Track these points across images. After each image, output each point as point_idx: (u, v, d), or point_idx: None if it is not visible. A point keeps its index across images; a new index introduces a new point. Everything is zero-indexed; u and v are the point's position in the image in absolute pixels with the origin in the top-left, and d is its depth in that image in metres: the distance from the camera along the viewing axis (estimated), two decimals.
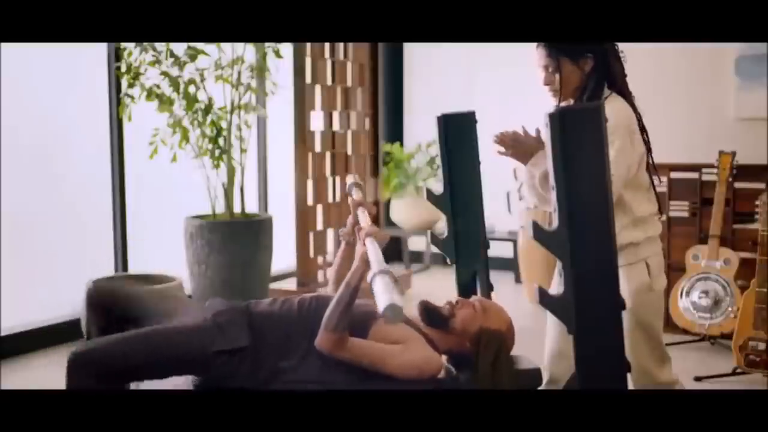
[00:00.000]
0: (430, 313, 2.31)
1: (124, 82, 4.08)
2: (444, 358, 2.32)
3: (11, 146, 3.99)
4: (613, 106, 2.36)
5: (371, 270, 1.88)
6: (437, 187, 2.75)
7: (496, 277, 2.81)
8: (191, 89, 4.10)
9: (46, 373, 3.60)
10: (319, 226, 5.13)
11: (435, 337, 2.29)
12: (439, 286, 5.66)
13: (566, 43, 2.36)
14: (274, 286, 4.84)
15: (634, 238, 2.40)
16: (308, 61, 4.95)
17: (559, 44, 2.37)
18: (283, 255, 5.05)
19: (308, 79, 4.95)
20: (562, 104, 2.45)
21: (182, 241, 4.24)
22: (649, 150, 2.44)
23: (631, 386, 2.43)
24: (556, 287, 2.56)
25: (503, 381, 2.22)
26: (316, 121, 5.09)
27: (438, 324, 2.30)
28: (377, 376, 2.17)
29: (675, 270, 4.36)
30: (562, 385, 2.48)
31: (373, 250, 2.05)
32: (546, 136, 1.81)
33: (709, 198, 4.26)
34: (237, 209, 4.38)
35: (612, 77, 2.42)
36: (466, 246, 2.70)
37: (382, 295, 1.72)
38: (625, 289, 2.36)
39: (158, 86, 4.06)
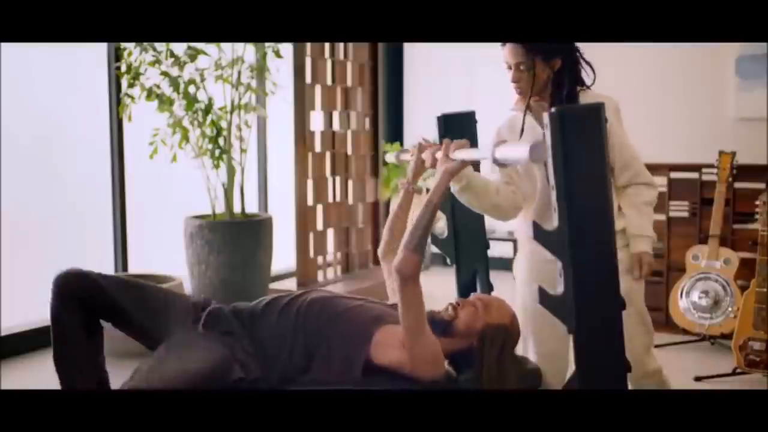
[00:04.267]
0: (431, 322, 2.28)
1: (124, 82, 4.08)
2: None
3: (11, 146, 3.99)
4: (600, 98, 2.40)
5: (486, 150, 1.81)
6: None
7: (496, 277, 2.81)
8: (191, 89, 4.10)
9: (46, 373, 3.59)
10: (319, 226, 5.13)
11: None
12: (439, 286, 5.65)
13: (540, 43, 2.38)
14: (274, 286, 4.84)
15: (620, 225, 2.48)
16: (308, 61, 4.95)
17: (533, 43, 2.39)
18: (283, 255, 5.05)
19: (308, 79, 4.95)
20: (518, 105, 2.51)
21: (182, 241, 4.24)
22: None
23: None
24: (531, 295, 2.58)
25: (509, 375, 2.20)
26: (316, 121, 5.09)
27: (439, 330, 2.26)
28: (380, 372, 2.17)
29: (675, 270, 4.36)
30: (552, 388, 2.49)
31: (469, 152, 2.13)
32: (546, 135, 1.81)
33: (709, 198, 4.25)
34: (237, 209, 4.38)
35: (580, 77, 2.46)
36: (466, 246, 2.70)
37: (518, 146, 1.64)
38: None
39: (158, 86, 4.06)
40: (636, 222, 2.49)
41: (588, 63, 2.47)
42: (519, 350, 2.61)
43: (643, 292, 2.56)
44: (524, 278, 2.61)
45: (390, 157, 2.98)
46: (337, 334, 2.20)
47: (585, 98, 2.42)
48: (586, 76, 2.49)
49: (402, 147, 6.40)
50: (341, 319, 2.23)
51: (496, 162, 1.76)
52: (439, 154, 2.26)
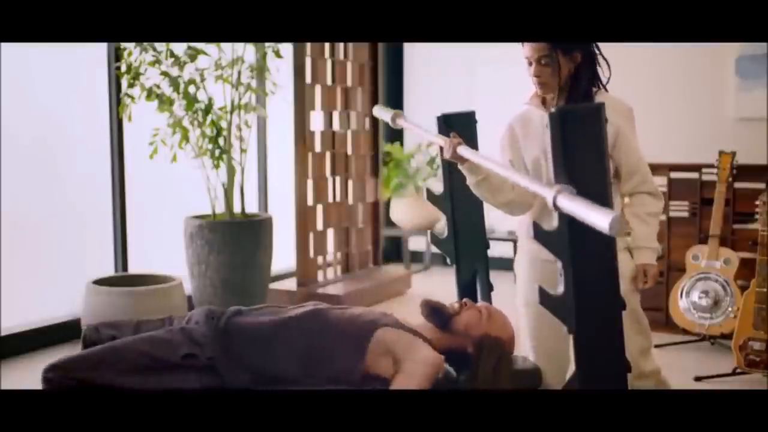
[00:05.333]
0: (433, 310, 2.32)
1: (124, 82, 4.08)
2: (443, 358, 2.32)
3: (11, 146, 3.99)
4: (614, 101, 2.42)
5: (545, 191, 1.69)
6: (437, 187, 2.76)
7: (496, 277, 2.81)
8: (191, 89, 4.10)
9: None
10: (319, 226, 5.13)
11: (435, 336, 2.29)
12: (439, 286, 5.66)
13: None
14: (274, 286, 4.84)
15: None
16: (308, 61, 4.95)
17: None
18: (283, 255, 5.05)
19: (308, 79, 4.96)
20: (532, 99, 2.51)
21: (182, 241, 4.24)
22: None
23: None
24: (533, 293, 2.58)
25: (502, 386, 2.23)
26: (316, 121, 5.09)
27: (440, 321, 2.30)
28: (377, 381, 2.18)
29: (675, 270, 4.36)
30: (552, 387, 2.50)
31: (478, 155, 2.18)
32: (546, 135, 1.82)
33: (709, 198, 4.25)
34: (237, 209, 4.38)
35: (596, 75, 2.46)
36: (466, 246, 2.70)
37: (595, 212, 1.52)
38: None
39: (158, 86, 4.06)
40: (640, 233, 2.47)
41: (605, 60, 2.47)
42: (520, 350, 2.62)
43: (638, 295, 2.55)
44: (525, 277, 2.61)
45: (383, 114, 2.78)
46: (329, 343, 2.21)
47: (600, 99, 2.40)
48: (602, 74, 2.48)
49: (402, 146, 6.40)
50: (333, 329, 2.24)
51: (556, 208, 1.71)
52: (447, 145, 2.30)
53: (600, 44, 2.46)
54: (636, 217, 2.48)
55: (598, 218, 1.52)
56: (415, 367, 2.15)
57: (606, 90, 2.49)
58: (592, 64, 2.44)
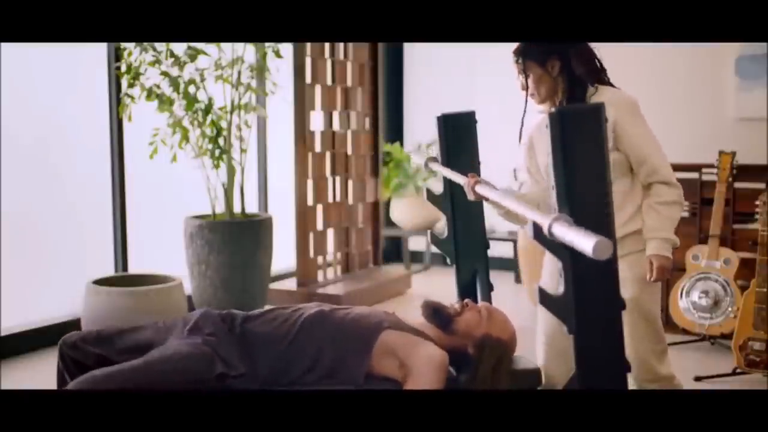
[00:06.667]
0: (434, 311, 2.33)
1: (124, 82, 4.08)
2: None
3: (11, 146, 3.99)
4: (613, 95, 2.39)
5: (543, 219, 1.70)
6: (437, 187, 2.76)
7: (496, 277, 2.81)
8: (191, 89, 4.10)
9: (46, 373, 3.60)
10: (319, 226, 5.13)
11: (436, 337, 2.30)
12: (439, 286, 5.66)
13: (533, 46, 2.39)
14: (274, 286, 4.84)
15: (638, 226, 2.42)
16: (308, 61, 4.95)
17: (525, 48, 2.40)
18: (283, 255, 5.05)
19: (308, 79, 4.96)
20: (544, 107, 2.49)
21: (182, 241, 4.24)
22: None
23: (631, 380, 2.42)
24: (552, 285, 2.56)
25: (502, 387, 2.23)
26: (316, 121, 5.09)
27: (441, 323, 2.31)
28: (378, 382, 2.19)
29: (675, 270, 4.36)
30: (560, 387, 2.48)
31: (494, 192, 2.15)
32: (546, 136, 1.82)
33: (709, 198, 4.25)
34: (237, 209, 4.38)
35: (579, 77, 2.42)
36: (466, 246, 2.70)
37: (582, 236, 1.55)
38: (628, 277, 2.37)
39: (158, 86, 4.06)
40: (649, 224, 2.40)
41: (591, 60, 2.43)
42: (530, 350, 2.61)
43: (656, 297, 2.48)
44: (547, 278, 2.58)
45: (417, 158, 2.88)
46: (337, 347, 2.22)
47: (599, 97, 2.38)
48: (593, 73, 2.44)
49: (402, 146, 6.40)
50: (339, 332, 2.24)
51: (551, 235, 1.71)
52: (466, 187, 2.31)
53: (601, 44, 2.45)
54: (649, 208, 2.41)
55: (583, 242, 1.52)
56: (421, 367, 2.16)
57: (612, 85, 2.46)
58: (570, 68, 2.40)
